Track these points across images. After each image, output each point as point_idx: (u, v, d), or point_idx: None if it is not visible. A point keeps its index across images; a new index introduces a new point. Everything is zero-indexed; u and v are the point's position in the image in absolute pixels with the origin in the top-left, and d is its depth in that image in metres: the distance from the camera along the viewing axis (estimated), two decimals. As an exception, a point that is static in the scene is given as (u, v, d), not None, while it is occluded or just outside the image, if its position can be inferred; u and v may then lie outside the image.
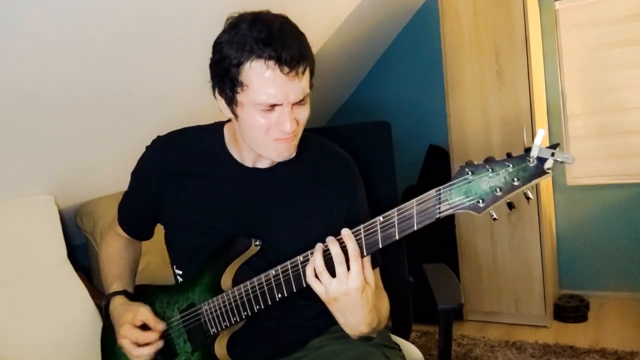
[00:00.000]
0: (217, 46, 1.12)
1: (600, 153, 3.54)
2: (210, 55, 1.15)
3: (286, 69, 1.05)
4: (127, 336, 1.25)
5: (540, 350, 2.95)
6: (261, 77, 1.06)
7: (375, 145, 1.69)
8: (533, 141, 0.91)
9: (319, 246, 1.09)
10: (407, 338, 1.66)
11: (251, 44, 1.05)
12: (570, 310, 3.32)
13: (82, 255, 2.58)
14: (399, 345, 1.38)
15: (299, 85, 1.09)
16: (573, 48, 3.58)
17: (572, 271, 3.69)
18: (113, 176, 2.41)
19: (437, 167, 3.80)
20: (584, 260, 3.64)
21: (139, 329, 1.25)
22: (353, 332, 1.16)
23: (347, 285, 1.05)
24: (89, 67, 1.88)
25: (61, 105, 1.91)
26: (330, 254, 1.07)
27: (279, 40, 1.05)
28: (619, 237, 3.51)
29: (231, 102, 1.14)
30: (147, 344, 1.25)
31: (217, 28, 1.13)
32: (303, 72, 1.09)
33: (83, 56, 1.81)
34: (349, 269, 1.05)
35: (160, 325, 1.27)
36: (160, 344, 1.27)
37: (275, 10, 1.15)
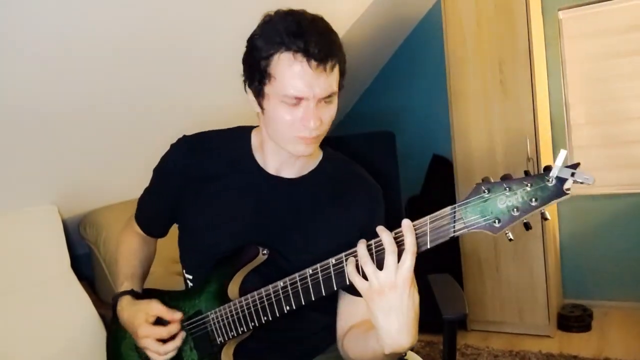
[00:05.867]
0: (251, 40, 1.13)
1: (604, 163, 3.53)
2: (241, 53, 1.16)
3: (314, 63, 1.06)
4: (149, 335, 1.22)
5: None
6: (289, 69, 1.07)
7: (380, 155, 1.69)
8: (554, 161, 0.85)
9: (362, 240, 1.01)
10: (411, 348, 1.65)
11: (281, 35, 1.06)
12: (574, 319, 3.31)
13: (85, 265, 2.57)
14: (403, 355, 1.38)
15: (326, 80, 1.09)
16: (576, 58, 3.58)
17: (575, 281, 3.67)
18: (117, 186, 2.41)
19: (441, 177, 3.79)
20: (588, 269, 3.63)
21: (159, 326, 1.23)
22: (392, 341, 1.00)
23: (395, 277, 0.95)
24: (93, 78, 1.88)
25: (65, 115, 1.92)
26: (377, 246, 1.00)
27: (308, 32, 1.06)
28: (623, 247, 3.50)
29: (259, 94, 1.15)
30: (170, 338, 1.23)
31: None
32: (332, 68, 1.09)
33: (88, 68, 1.82)
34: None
35: (178, 315, 1.24)
36: (183, 334, 1.25)
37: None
